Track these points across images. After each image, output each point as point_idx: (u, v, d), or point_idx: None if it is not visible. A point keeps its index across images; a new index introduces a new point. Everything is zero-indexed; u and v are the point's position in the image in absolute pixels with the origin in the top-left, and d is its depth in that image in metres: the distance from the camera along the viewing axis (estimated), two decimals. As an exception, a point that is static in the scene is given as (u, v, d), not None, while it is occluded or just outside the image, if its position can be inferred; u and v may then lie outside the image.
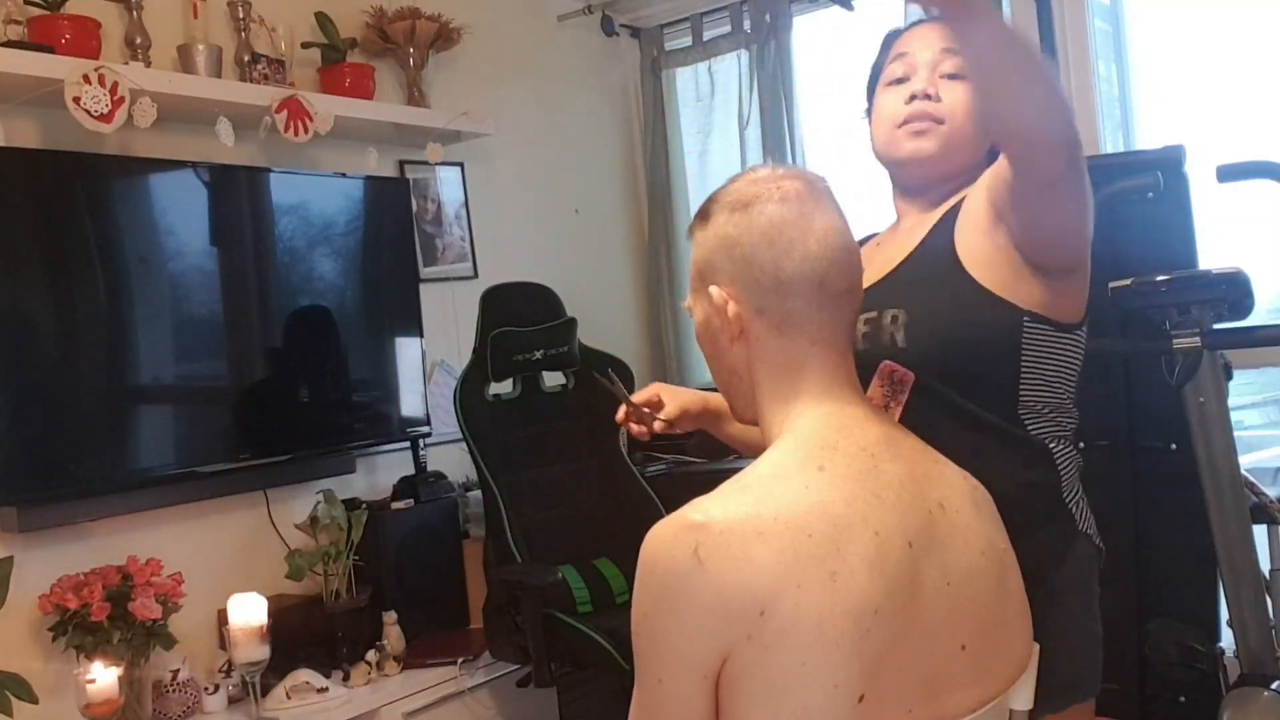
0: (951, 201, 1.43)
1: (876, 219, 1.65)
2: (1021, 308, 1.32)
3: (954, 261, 1.35)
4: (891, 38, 1.53)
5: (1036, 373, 1.35)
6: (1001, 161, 1.29)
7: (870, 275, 1.44)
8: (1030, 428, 1.36)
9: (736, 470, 1.06)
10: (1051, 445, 1.37)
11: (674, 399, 1.60)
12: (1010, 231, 1.32)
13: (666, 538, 0.99)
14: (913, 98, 1.43)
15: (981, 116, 1.37)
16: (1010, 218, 1.31)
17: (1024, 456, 1.36)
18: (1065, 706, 1.33)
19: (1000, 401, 1.35)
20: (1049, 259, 1.32)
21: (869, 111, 1.53)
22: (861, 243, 1.59)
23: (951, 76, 1.43)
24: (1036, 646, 1.17)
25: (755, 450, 1.13)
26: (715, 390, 1.36)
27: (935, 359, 1.34)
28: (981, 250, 1.34)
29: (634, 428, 1.59)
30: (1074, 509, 1.39)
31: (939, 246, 1.38)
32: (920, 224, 1.45)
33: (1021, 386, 1.34)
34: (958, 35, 1.23)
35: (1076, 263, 1.34)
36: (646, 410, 1.58)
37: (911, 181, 1.49)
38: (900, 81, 1.46)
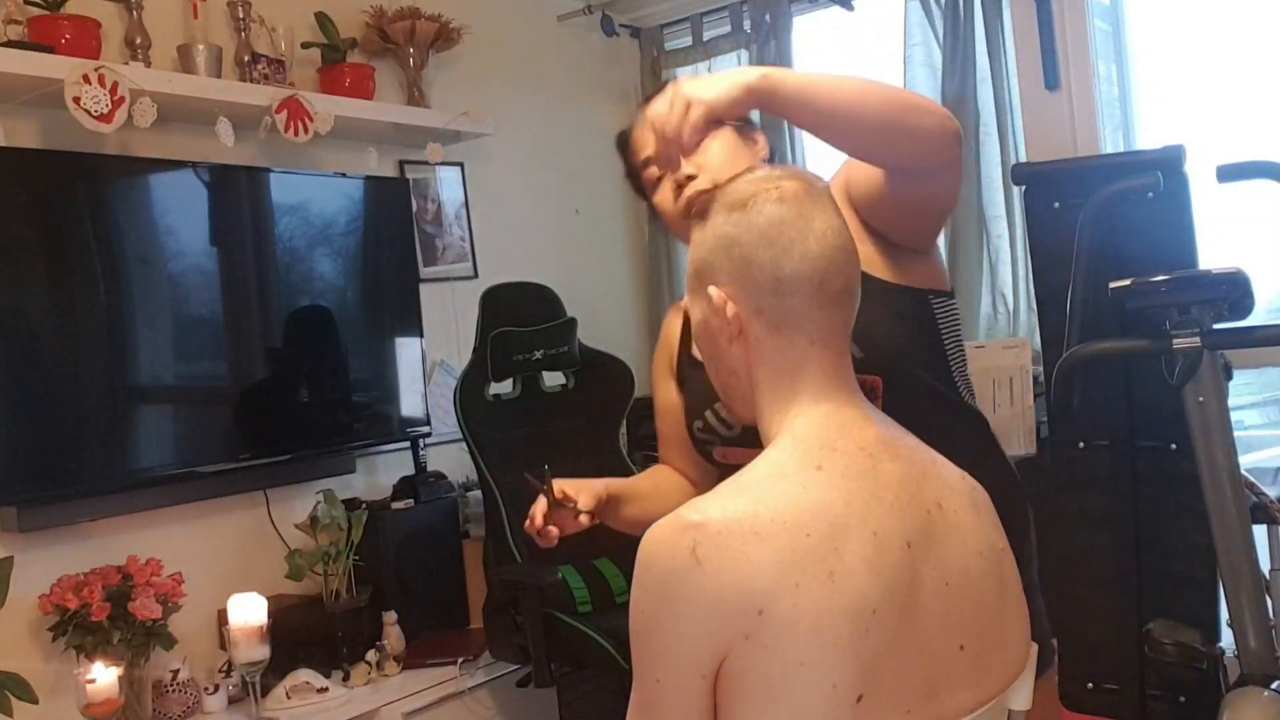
0: None
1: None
2: (921, 288, 1.44)
3: (870, 279, 1.41)
4: (625, 147, 1.65)
5: (951, 341, 1.46)
6: (871, 178, 1.38)
7: None
8: (967, 399, 1.47)
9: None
10: (980, 410, 1.49)
11: (580, 491, 1.52)
12: (884, 228, 1.43)
13: (664, 537, 0.99)
14: (679, 186, 1.50)
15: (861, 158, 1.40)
16: (892, 213, 1.41)
17: (978, 425, 1.48)
18: (1042, 672, 1.39)
19: (943, 378, 1.45)
20: (924, 234, 1.47)
21: (653, 213, 1.61)
22: None
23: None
24: (1035, 646, 1.17)
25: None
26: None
27: (888, 357, 1.40)
28: (867, 255, 1.40)
29: (552, 531, 1.48)
30: (1015, 470, 1.51)
31: None
32: None
33: (948, 359, 1.45)
34: (797, 121, 1.33)
35: (938, 231, 1.52)
36: (570, 504, 1.50)
37: None
38: (659, 180, 1.53)
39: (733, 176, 1.19)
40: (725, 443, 1.49)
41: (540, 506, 1.48)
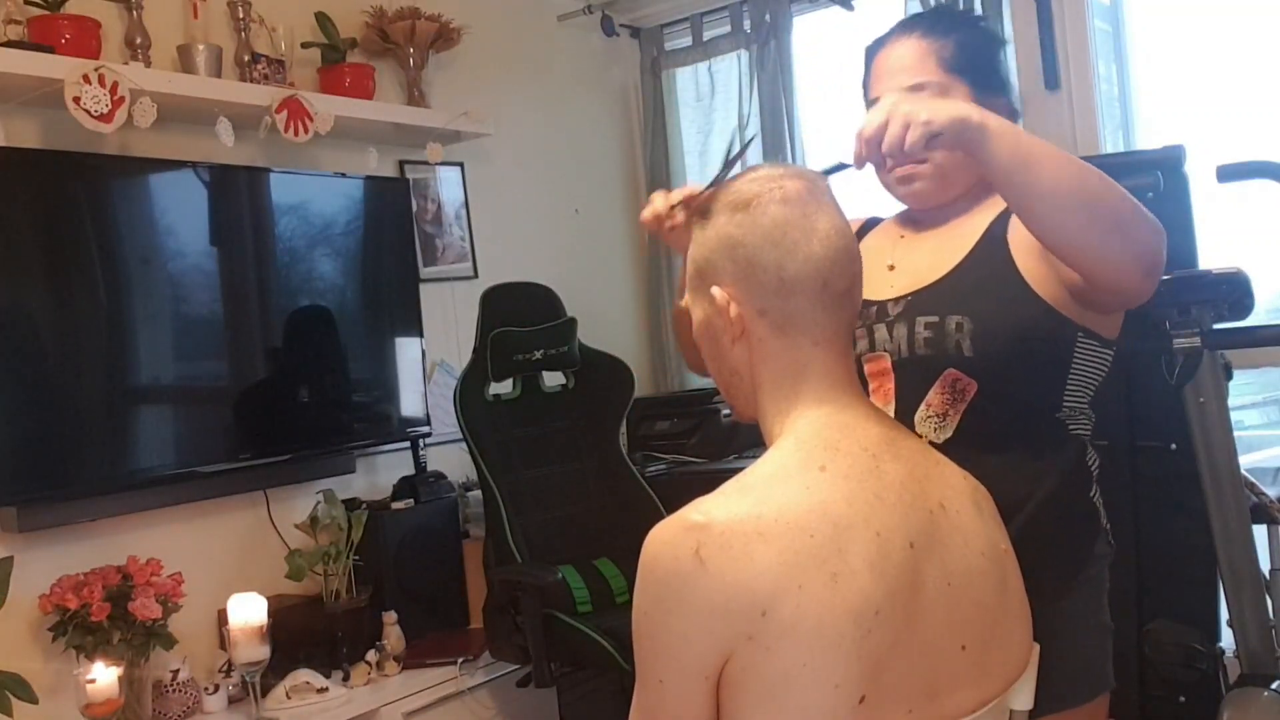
0: (991, 208, 1.43)
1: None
2: (1077, 324, 1.36)
3: (1016, 275, 1.37)
4: (871, 54, 1.53)
5: (1078, 382, 1.40)
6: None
7: (911, 276, 1.45)
8: (1070, 428, 1.41)
9: (736, 470, 1.06)
10: (1086, 443, 1.43)
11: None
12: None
13: (668, 538, 0.99)
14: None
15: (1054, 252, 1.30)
16: (1061, 289, 1.34)
17: (1064, 457, 1.40)
18: (1093, 698, 1.44)
19: (1045, 406, 1.39)
20: (1097, 312, 1.38)
21: None
22: (869, 226, 1.59)
23: None
24: (1037, 647, 1.17)
25: None
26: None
27: (998, 367, 1.35)
28: (1039, 270, 1.36)
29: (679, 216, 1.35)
30: (1098, 505, 1.45)
31: (996, 257, 1.39)
32: (962, 229, 1.44)
33: (1066, 393, 1.39)
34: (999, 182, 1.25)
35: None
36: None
37: (923, 213, 1.50)
38: None
39: (733, 175, 1.18)
40: None
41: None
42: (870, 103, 1.49)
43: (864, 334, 1.44)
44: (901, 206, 1.54)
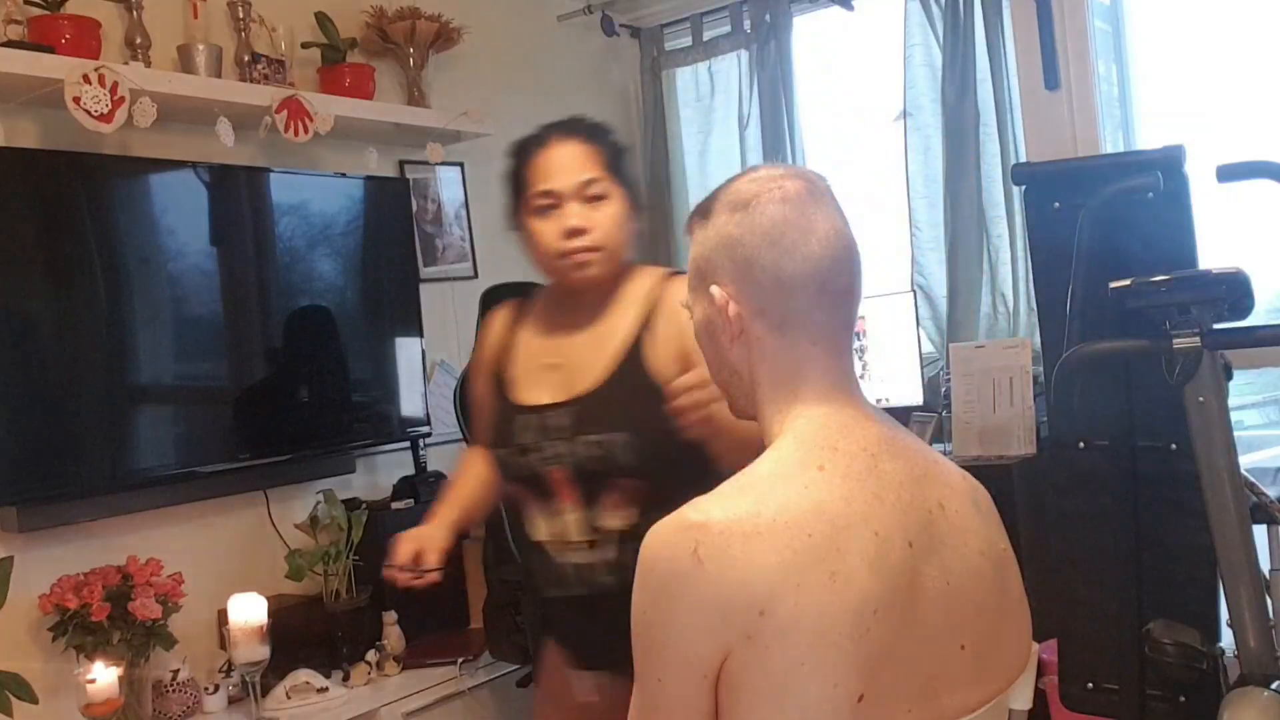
0: (629, 304, 1.65)
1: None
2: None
3: (660, 394, 1.50)
4: (526, 156, 1.67)
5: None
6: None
7: (568, 377, 1.65)
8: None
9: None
10: None
11: (432, 545, 1.74)
12: None
13: (666, 537, 0.99)
14: (570, 233, 1.62)
15: None
16: None
17: None
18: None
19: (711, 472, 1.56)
20: None
21: (519, 227, 1.70)
22: (519, 314, 1.81)
23: (596, 198, 1.63)
24: (1036, 646, 1.17)
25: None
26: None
27: (664, 467, 1.55)
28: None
29: (406, 580, 1.73)
30: None
31: (640, 378, 1.60)
32: (610, 328, 1.65)
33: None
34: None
35: None
36: (414, 568, 1.71)
37: (580, 293, 1.70)
38: (550, 209, 1.63)
39: (733, 177, 1.19)
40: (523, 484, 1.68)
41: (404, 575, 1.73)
42: (538, 196, 1.65)
43: (533, 438, 1.64)
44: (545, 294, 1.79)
